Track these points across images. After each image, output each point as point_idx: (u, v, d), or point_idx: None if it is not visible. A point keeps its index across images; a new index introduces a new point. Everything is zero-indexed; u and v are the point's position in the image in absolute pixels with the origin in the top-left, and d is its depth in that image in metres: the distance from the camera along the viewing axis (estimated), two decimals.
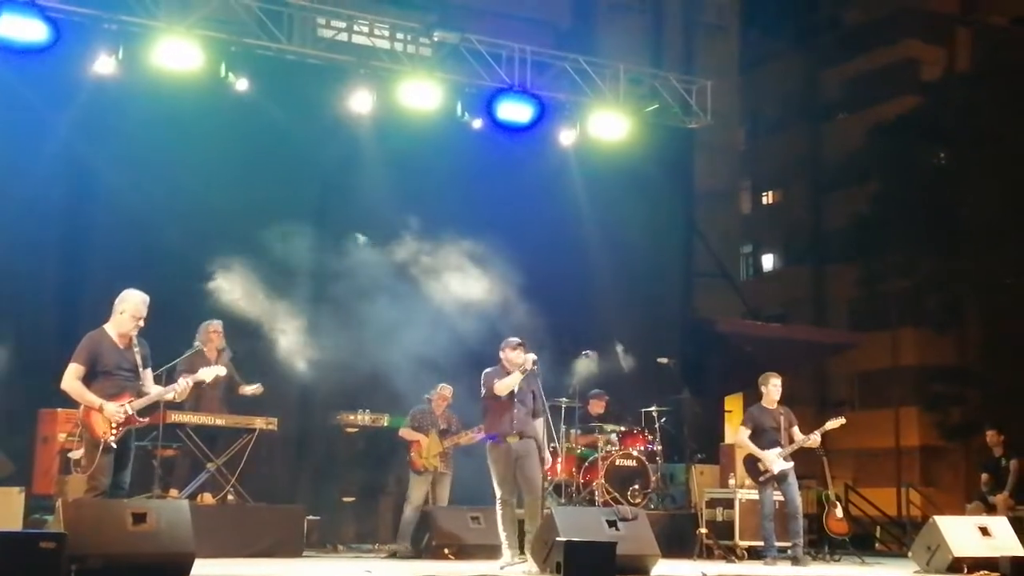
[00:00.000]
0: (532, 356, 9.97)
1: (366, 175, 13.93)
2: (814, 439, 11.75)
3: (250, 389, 11.38)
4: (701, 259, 19.00)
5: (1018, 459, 14.52)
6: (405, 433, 12.10)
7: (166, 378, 9.54)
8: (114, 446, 8.12)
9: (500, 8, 17.92)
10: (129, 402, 8.24)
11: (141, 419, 8.46)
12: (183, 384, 8.80)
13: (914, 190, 29.73)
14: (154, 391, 8.51)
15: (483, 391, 10.12)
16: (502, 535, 9.86)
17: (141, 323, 8.38)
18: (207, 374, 9.27)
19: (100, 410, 8.09)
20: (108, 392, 8.19)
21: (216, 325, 11.38)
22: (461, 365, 12.23)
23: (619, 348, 11.29)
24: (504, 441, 9.85)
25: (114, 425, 8.12)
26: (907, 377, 32.09)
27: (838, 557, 12.86)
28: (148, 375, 8.52)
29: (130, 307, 8.33)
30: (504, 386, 9.90)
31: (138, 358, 8.38)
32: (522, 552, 9.70)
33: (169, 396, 8.76)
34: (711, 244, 19.57)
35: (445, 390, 12.25)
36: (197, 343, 10.99)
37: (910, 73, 34.41)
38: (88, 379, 8.19)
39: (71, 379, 8.19)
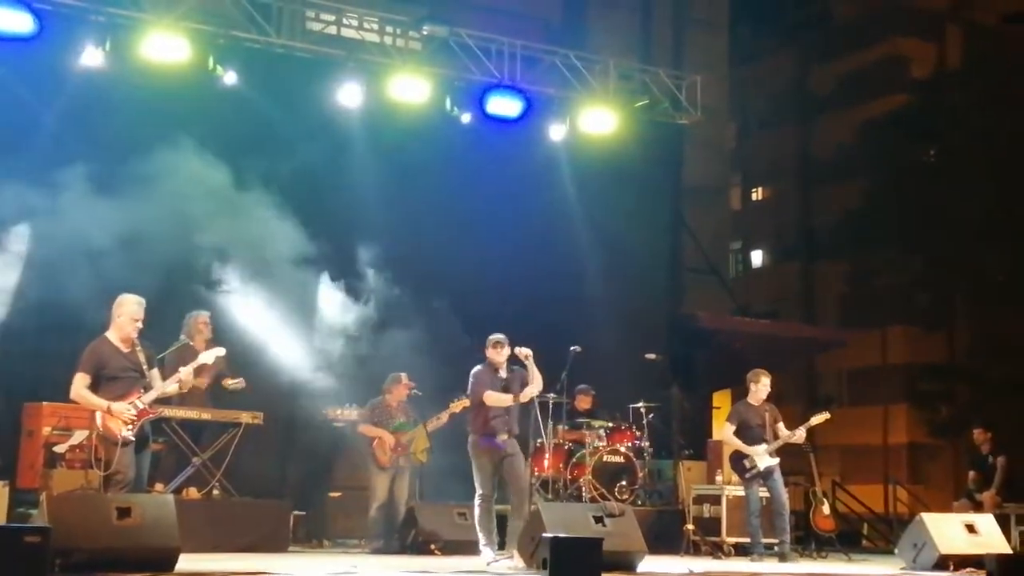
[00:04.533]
0: (527, 350, 9.92)
1: (355, 169, 13.88)
2: (799, 435, 11.76)
3: (232, 383, 11.33)
4: (690, 255, 18.96)
5: (1005, 457, 14.56)
6: (365, 429, 11.79)
7: None
8: (132, 438, 8.42)
9: (490, 3, 17.86)
10: (138, 397, 8.52)
11: (152, 410, 8.72)
12: (186, 371, 8.97)
13: (904, 187, 29.77)
14: (158, 384, 8.77)
15: (469, 390, 10.09)
16: (479, 533, 9.87)
17: (139, 324, 8.68)
18: (208, 356, 9.41)
19: (108, 411, 8.37)
20: (117, 393, 8.50)
21: (204, 316, 11.36)
22: (447, 359, 12.17)
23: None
24: (492, 440, 9.82)
25: (126, 421, 8.39)
26: (896, 374, 32.12)
27: (825, 554, 12.87)
28: (155, 374, 8.85)
29: (127, 311, 8.65)
30: (496, 401, 9.84)
31: (142, 358, 8.69)
32: (502, 548, 9.71)
33: (174, 387, 9.02)
34: (700, 240, 19.52)
35: (405, 380, 11.85)
36: (183, 336, 10.93)
37: (900, 70, 34.41)
38: (96, 385, 8.52)
39: (78, 388, 8.53)
